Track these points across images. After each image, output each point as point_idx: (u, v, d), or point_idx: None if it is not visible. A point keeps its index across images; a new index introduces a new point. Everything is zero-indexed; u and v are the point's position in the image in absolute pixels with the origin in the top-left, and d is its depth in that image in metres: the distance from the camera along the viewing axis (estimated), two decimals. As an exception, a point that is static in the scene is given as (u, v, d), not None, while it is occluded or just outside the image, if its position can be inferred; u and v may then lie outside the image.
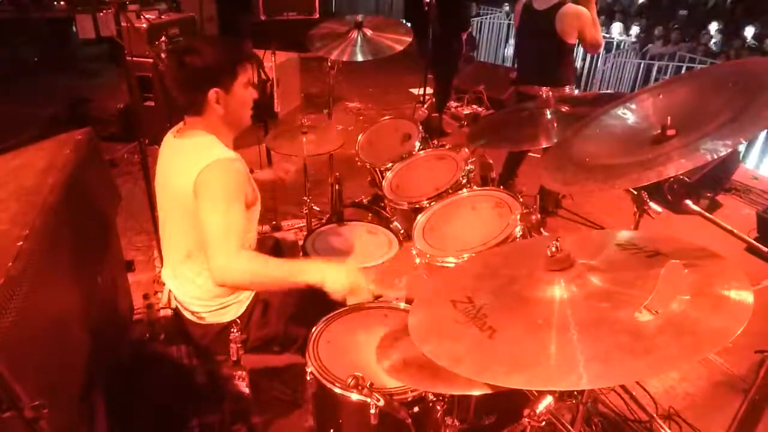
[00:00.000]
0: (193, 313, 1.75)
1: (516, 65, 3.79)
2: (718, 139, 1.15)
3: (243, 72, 1.65)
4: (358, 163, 2.70)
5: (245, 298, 1.78)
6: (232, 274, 1.51)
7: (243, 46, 1.72)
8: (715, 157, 1.13)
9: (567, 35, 3.17)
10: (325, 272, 1.56)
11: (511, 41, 8.64)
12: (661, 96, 1.45)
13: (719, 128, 1.18)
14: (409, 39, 2.99)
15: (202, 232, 1.53)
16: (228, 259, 1.50)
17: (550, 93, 2.05)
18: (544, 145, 1.91)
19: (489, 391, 1.14)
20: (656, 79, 7.33)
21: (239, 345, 1.69)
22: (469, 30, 5.43)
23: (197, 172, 1.54)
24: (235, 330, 1.70)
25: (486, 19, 9.21)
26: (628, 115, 1.49)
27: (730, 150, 1.14)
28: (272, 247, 2.17)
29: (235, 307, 1.76)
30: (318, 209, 3.34)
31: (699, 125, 1.24)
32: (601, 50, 3.44)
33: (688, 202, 1.56)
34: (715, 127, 1.19)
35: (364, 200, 2.78)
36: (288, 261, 1.66)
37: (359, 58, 2.94)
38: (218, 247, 1.50)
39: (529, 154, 4.05)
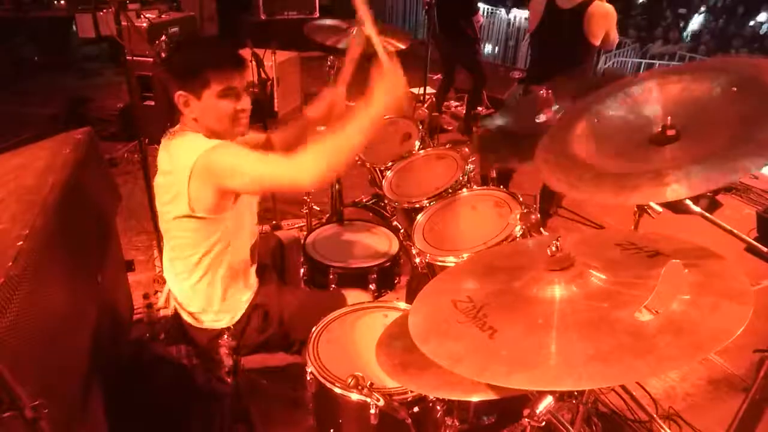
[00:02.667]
0: (190, 314, 1.75)
1: (528, 64, 3.71)
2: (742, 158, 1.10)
3: (219, 80, 1.54)
4: (358, 163, 2.70)
5: (240, 306, 1.77)
6: (319, 164, 1.45)
7: (227, 52, 1.59)
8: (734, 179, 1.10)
9: (593, 36, 3.08)
10: (381, 109, 1.53)
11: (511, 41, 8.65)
12: (657, 86, 1.42)
13: (737, 145, 1.13)
14: (404, 46, 2.96)
15: (263, 187, 1.58)
16: (303, 169, 1.46)
17: (550, 92, 2.05)
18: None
19: (493, 396, 1.14)
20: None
21: (230, 351, 1.69)
22: (479, 14, 5.35)
23: (188, 171, 1.50)
24: (227, 337, 1.70)
25: (486, 18, 9.21)
26: (624, 107, 1.45)
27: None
28: (274, 246, 2.17)
29: (230, 313, 1.75)
30: (318, 209, 3.34)
31: (704, 131, 1.22)
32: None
33: (688, 201, 1.55)
34: (730, 144, 1.14)
35: (364, 200, 2.78)
36: (348, 125, 1.51)
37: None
38: (286, 174, 1.48)
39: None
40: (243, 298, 1.78)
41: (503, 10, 9.34)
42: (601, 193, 1.23)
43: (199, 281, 1.69)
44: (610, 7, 3.05)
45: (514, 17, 8.99)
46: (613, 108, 1.47)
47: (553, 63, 3.34)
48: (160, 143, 1.71)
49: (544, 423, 1.13)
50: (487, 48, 9.14)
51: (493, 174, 2.41)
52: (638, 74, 1.53)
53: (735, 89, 1.25)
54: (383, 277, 2.08)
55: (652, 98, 1.42)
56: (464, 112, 5.55)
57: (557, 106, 2.00)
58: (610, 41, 3.15)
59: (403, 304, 1.74)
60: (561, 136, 1.46)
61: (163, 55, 2.49)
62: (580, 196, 1.28)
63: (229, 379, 1.77)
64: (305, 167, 1.46)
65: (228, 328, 1.74)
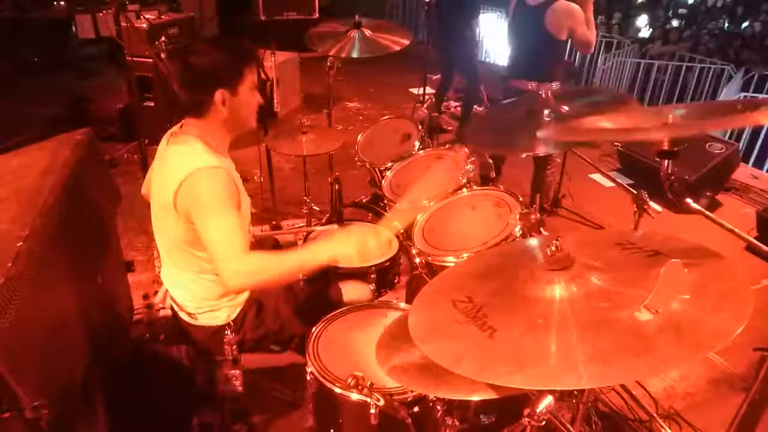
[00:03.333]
0: (187, 313, 1.75)
1: (507, 61, 3.76)
2: None
3: (250, 73, 1.62)
4: (358, 163, 2.70)
5: (238, 303, 1.78)
6: (246, 277, 1.49)
7: (249, 47, 1.67)
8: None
9: (557, 32, 3.16)
10: (335, 249, 1.50)
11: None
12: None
13: None
14: (407, 41, 2.98)
15: (204, 244, 1.51)
16: (239, 265, 1.48)
17: (549, 92, 2.05)
18: (541, 153, 1.89)
19: (493, 396, 1.14)
20: (656, 79, 7.32)
21: (234, 347, 1.69)
22: (479, 18, 5.39)
23: (178, 183, 1.52)
24: (229, 332, 1.70)
25: (486, 18, 9.20)
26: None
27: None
28: (272, 247, 2.17)
29: (227, 310, 1.75)
30: (318, 209, 3.34)
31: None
32: (593, 49, 3.40)
33: (688, 200, 1.55)
34: None
35: (364, 200, 2.78)
36: (296, 252, 1.63)
37: (359, 54, 2.94)
38: (225, 256, 1.48)
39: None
40: (240, 296, 1.78)
41: (503, 11, 9.34)
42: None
43: (195, 277, 1.69)
44: (575, 7, 3.11)
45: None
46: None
47: (522, 57, 3.45)
48: (162, 146, 1.71)
49: (544, 422, 1.13)
50: (488, 49, 9.13)
51: (493, 174, 2.41)
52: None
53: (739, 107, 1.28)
54: (383, 277, 2.08)
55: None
56: (461, 113, 5.54)
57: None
58: (577, 39, 3.17)
59: (403, 304, 1.74)
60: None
61: (163, 55, 2.48)
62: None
63: (233, 372, 1.77)
64: (245, 272, 1.48)
65: (228, 324, 1.74)
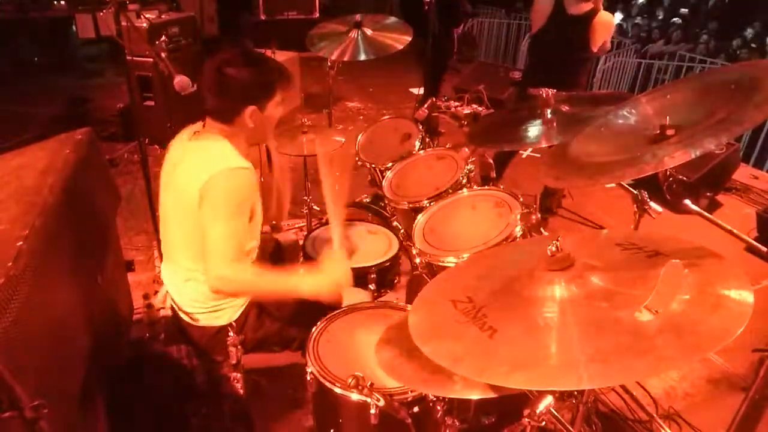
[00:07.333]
0: (187, 314, 1.76)
1: (526, 67, 3.71)
2: (701, 139, 1.18)
3: (280, 92, 1.67)
4: (358, 163, 2.70)
5: (240, 304, 1.78)
6: (228, 283, 1.57)
7: (282, 67, 1.72)
8: (695, 155, 1.15)
9: (594, 44, 3.17)
10: (319, 288, 1.63)
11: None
12: (669, 96, 1.46)
13: (706, 128, 1.21)
14: (408, 38, 2.99)
15: (203, 238, 1.55)
16: (225, 269, 1.54)
17: (550, 93, 2.05)
18: (544, 145, 1.91)
19: (492, 395, 1.14)
20: (656, 79, 7.32)
21: (237, 347, 1.70)
22: (462, 27, 5.38)
23: (206, 178, 1.55)
24: (232, 333, 1.70)
25: (486, 19, 9.21)
26: (632, 115, 1.50)
27: (710, 149, 1.17)
28: (273, 247, 2.17)
29: (230, 311, 1.76)
30: (318, 209, 3.34)
31: (694, 126, 1.26)
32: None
33: (687, 201, 1.56)
34: (704, 128, 1.21)
35: (364, 200, 2.78)
36: (283, 277, 1.67)
37: (361, 57, 2.94)
38: (217, 256, 1.54)
39: (530, 153, 4.02)
40: (242, 298, 1.78)
41: (503, 11, 9.34)
42: (615, 172, 1.29)
43: (200, 281, 1.69)
44: (611, 17, 3.16)
45: (515, 17, 9.01)
46: (608, 126, 1.54)
47: (553, 67, 3.34)
48: (176, 137, 1.73)
49: (544, 423, 1.13)
50: (487, 49, 9.14)
51: (493, 174, 2.41)
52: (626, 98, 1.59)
53: (733, 86, 1.27)
54: (383, 277, 2.08)
55: (643, 112, 1.49)
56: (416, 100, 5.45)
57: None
58: (605, 48, 3.25)
59: (403, 304, 1.74)
60: (562, 154, 1.54)
61: (163, 55, 2.48)
62: (562, 184, 1.34)
63: (233, 373, 1.78)
64: (229, 278, 1.56)
65: (231, 325, 1.74)
